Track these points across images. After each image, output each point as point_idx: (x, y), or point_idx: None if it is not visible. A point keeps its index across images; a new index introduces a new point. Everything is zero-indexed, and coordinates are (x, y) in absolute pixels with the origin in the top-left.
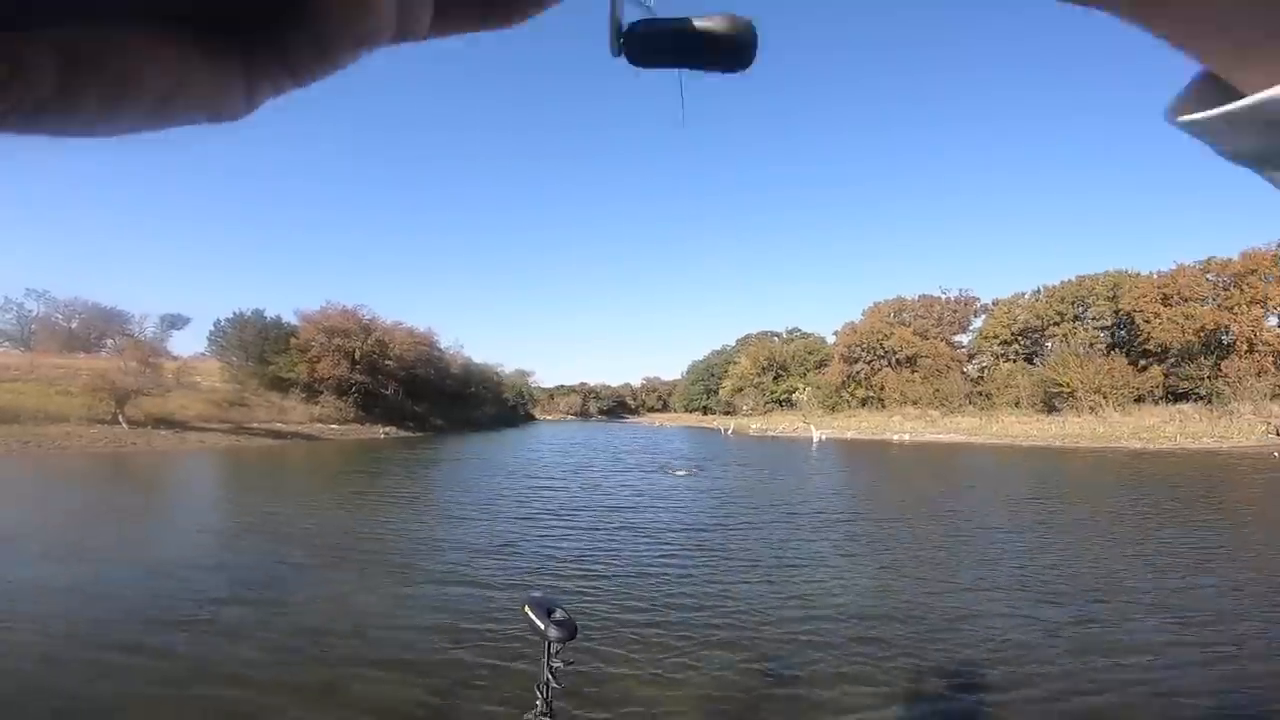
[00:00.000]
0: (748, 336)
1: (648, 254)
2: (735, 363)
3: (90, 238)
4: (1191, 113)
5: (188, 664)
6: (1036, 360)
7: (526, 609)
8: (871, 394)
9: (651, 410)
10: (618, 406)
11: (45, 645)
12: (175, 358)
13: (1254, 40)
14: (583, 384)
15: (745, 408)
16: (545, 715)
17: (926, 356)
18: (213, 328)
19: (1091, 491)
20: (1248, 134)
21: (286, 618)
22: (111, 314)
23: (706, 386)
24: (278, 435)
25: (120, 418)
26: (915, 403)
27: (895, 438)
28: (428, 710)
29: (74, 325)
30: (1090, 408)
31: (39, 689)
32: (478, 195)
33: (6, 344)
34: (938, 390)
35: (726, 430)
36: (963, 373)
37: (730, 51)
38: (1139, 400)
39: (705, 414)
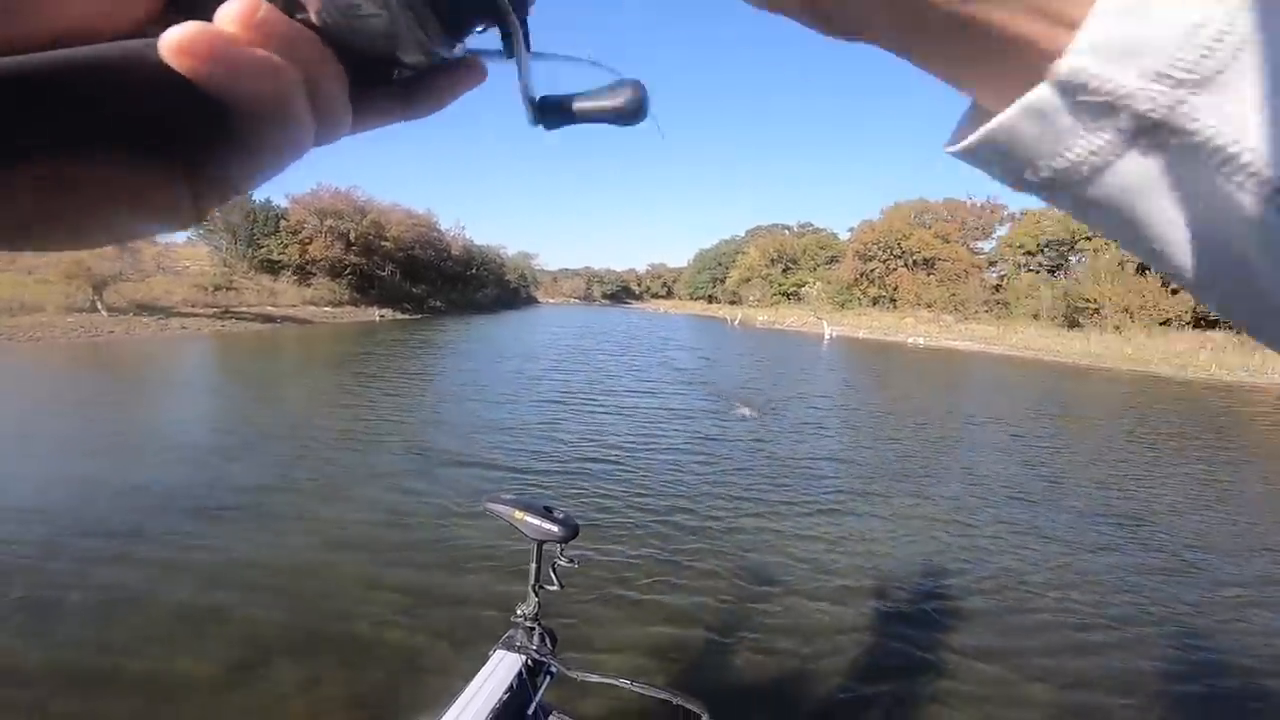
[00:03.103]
0: (758, 228)
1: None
2: (744, 253)
3: None
4: (960, 142)
5: (193, 552)
6: (1059, 274)
7: (518, 513)
8: (884, 294)
9: (656, 297)
10: (621, 291)
11: (45, 537)
12: (156, 242)
13: (971, 75)
14: (587, 268)
15: (752, 299)
16: (535, 619)
17: (946, 260)
18: None
19: (1135, 419)
20: (997, 165)
21: (293, 503)
22: None
23: (713, 275)
24: (268, 319)
25: (99, 304)
26: (929, 306)
27: (909, 341)
28: (432, 595)
29: None
30: (1115, 327)
31: (57, 582)
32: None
33: None
34: (954, 295)
35: (733, 321)
36: (981, 280)
37: (626, 115)
38: (1165, 324)
39: (710, 302)
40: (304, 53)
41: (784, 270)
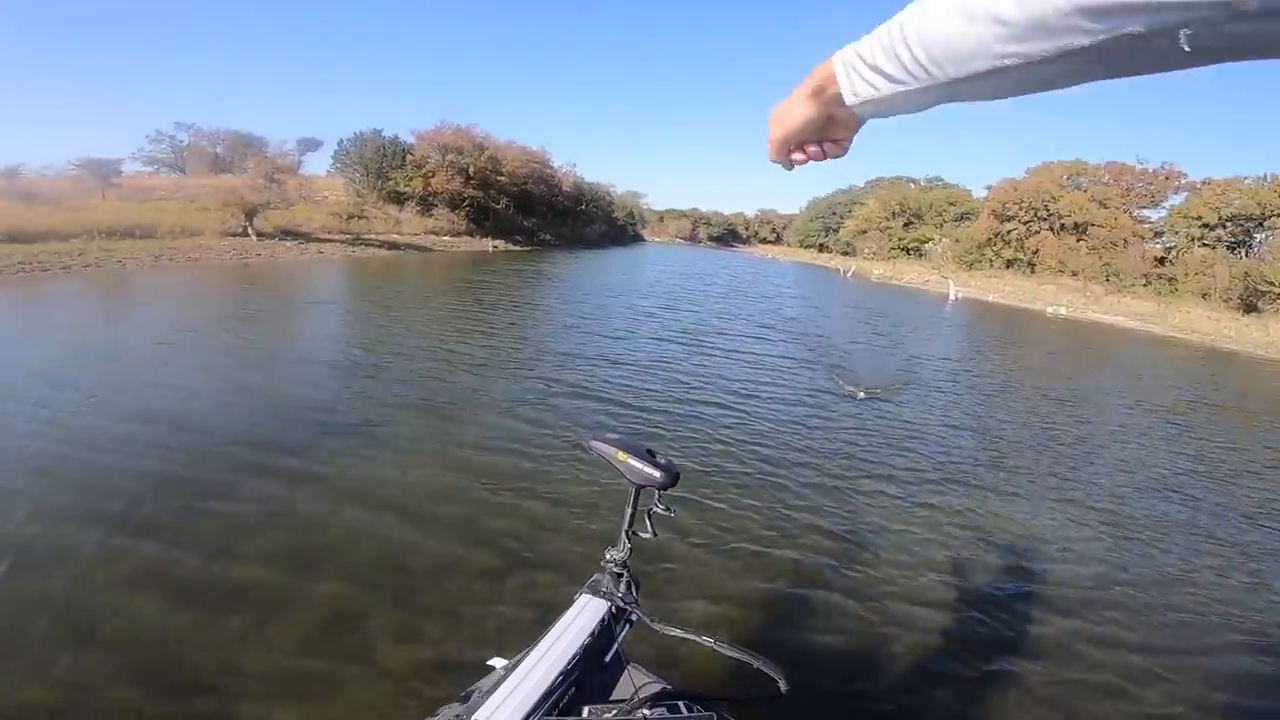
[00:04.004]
0: (879, 179)
1: (774, 75)
2: (862, 204)
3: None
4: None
5: (333, 466)
6: (1240, 252)
7: (621, 454)
8: (1021, 257)
9: (764, 242)
10: (728, 235)
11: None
12: (299, 175)
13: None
14: (694, 209)
15: (867, 251)
16: (624, 565)
17: (1101, 226)
18: (336, 147)
19: None
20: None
21: (423, 423)
22: (252, 139)
23: (826, 224)
24: (393, 246)
25: (250, 230)
26: (1075, 274)
27: (1049, 310)
28: (542, 525)
29: (219, 150)
30: None
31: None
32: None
33: (165, 170)
34: (1108, 264)
35: (846, 272)
36: (1143, 251)
37: None
38: None
39: (821, 251)
40: None
41: (905, 224)
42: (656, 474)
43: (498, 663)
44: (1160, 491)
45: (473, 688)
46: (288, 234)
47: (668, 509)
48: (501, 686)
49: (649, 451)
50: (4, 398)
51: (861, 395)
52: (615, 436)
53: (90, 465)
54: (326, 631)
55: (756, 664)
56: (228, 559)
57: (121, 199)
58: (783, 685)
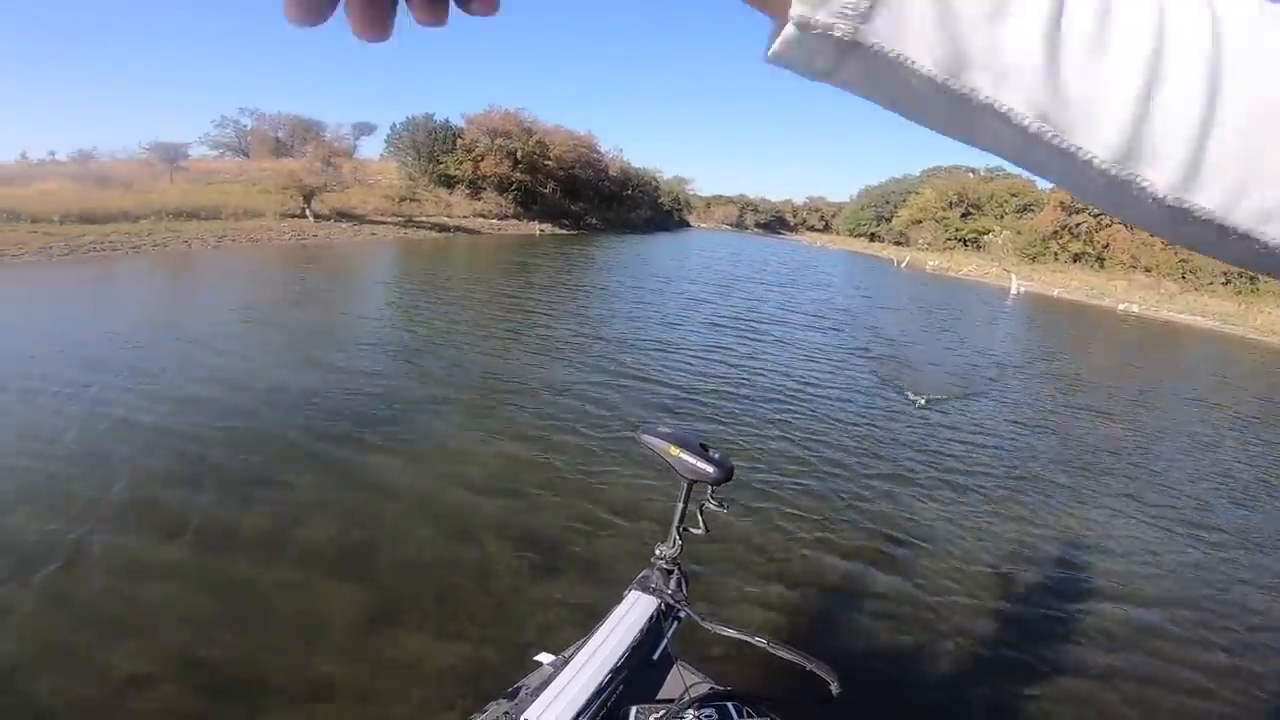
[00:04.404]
0: (936, 168)
1: None
2: (918, 193)
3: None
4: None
5: (402, 443)
6: None
7: (674, 449)
8: (1090, 251)
9: (812, 230)
10: (776, 222)
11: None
12: (354, 159)
13: None
14: (742, 196)
15: (922, 242)
16: (674, 561)
17: None
18: (390, 131)
19: None
20: (792, 69)
21: (484, 402)
22: (311, 123)
23: (878, 213)
24: (442, 228)
25: (307, 212)
26: (1149, 270)
27: (1120, 307)
28: (601, 508)
29: (280, 134)
30: None
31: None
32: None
33: (229, 154)
34: (1185, 261)
35: (899, 262)
36: None
37: None
38: None
39: (872, 241)
40: None
41: (963, 215)
42: (710, 469)
43: (545, 658)
44: (1246, 500)
45: (520, 684)
46: (343, 216)
47: (721, 505)
48: (552, 683)
49: (702, 445)
50: (100, 368)
51: (922, 402)
52: (667, 429)
53: (175, 434)
54: (387, 610)
55: (809, 666)
56: (305, 526)
57: (188, 182)
58: (835, 687)
